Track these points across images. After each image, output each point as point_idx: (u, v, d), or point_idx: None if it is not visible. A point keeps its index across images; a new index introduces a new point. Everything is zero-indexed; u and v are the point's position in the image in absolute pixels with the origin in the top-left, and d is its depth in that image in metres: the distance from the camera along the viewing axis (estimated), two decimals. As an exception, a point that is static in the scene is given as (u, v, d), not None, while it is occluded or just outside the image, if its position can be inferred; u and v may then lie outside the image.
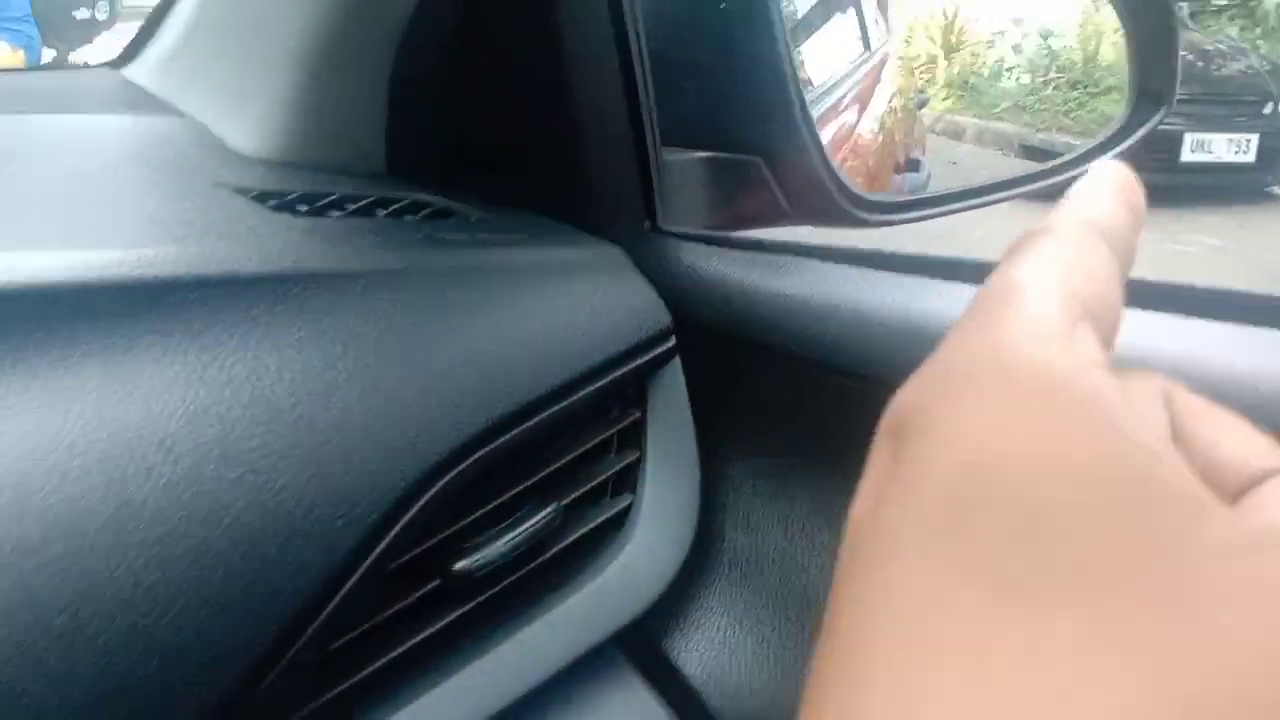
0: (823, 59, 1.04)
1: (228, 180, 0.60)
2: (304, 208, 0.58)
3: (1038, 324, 0.20)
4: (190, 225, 0.51)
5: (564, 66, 0.64)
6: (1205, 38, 5.50)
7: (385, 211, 0.61)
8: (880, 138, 1.16)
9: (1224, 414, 0.22)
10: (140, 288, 0.43)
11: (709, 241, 0.65)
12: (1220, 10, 6.23)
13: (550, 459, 0.56)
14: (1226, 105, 4.69)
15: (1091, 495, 0.17)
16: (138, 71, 0.79)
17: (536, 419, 0.52)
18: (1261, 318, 0.48)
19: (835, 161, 0.73)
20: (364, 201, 0.61)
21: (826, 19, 1.11)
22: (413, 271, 0.53)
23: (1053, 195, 0.26)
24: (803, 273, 0.61)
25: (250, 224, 0.53)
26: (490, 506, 0.52)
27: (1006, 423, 0.18)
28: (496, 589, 0.53)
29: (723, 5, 0.65)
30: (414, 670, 0.50)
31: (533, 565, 0.55)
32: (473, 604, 0.52)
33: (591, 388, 0.56)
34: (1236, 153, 4.54)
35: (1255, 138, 4.63)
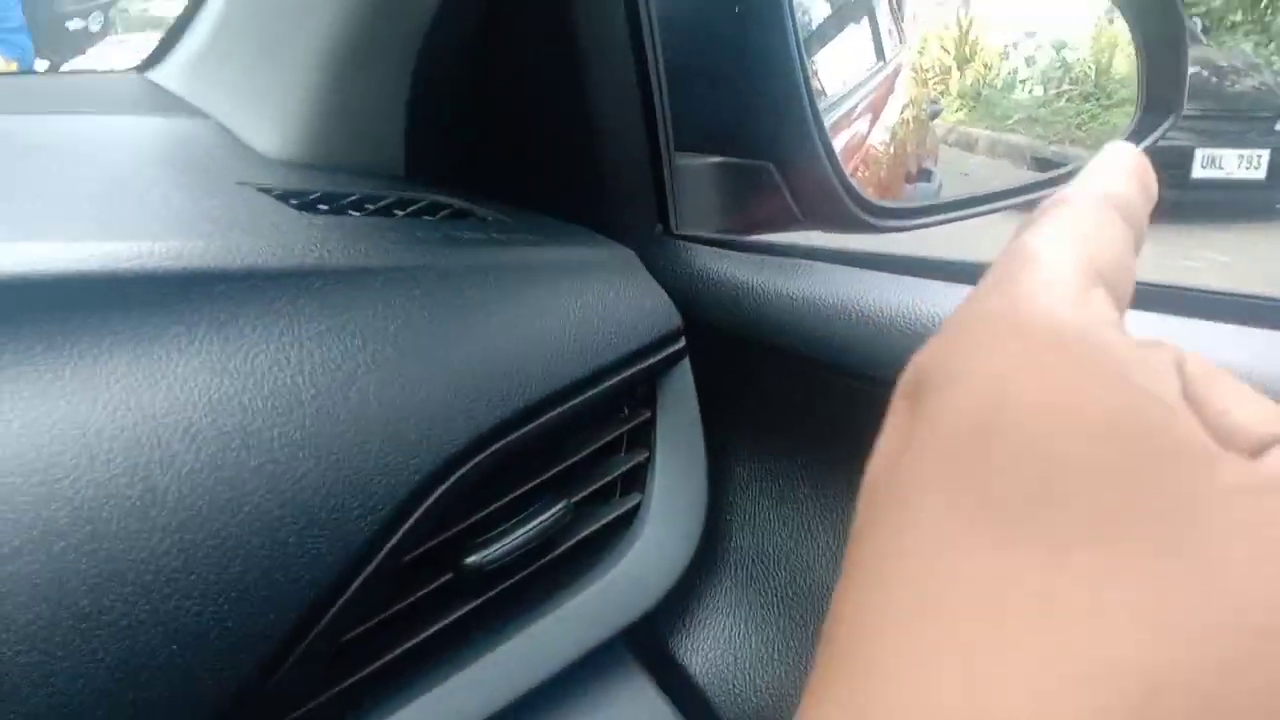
0: (836, 68, 1.04)
1: (251, 180, 0.61)
2: (325, 207, 0.59)
3: (1053, 284, 0.20)
4: (215, 221, 0.52)
5: (580, 73, 0.65)
6: (1219, 53, 5.48)
7: (404, 212, 0.62)
8: (892, 148, 1.17)
9: (1234, 381, 0.23)
10: (167, 279, 0.44)
11: (719, 244, 0.66)
12: (1235, 26, 6.21)
13: (561, 456, 0.57)
14: (1239, 121, 4.66)
15: (1105, 446, 0.18)
16: (163, 75, 0.81)
17: (548, 416, 0.53)
18: (1259, 318, 0.49)
19: (846, 168, 0.74)
20: (383, 202, 0.62)
21: (840, 29, 1.12)
22: (430, 269, 0.54)
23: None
24: (811, 275, 0.62)
25: (273, 221, 0.54)
26: (502, 502, 0.53)
27: (1022, 376, 0.19)
28: (507, 584, 0.54)
29: (737, 10, 0.66)
30: (425, 662, 0.51)
31: (543, 561, 0.55)
32: (484, 598, 0.53)
33: (602, 386, 0.56)
34: (1247, 169, 4.51)
35: (1266, 154, 4.59)
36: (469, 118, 0.72)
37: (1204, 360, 0.23)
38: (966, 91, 1.46)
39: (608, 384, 0.57)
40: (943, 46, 1.40)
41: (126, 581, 0.38)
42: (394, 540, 0.46)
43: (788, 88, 0.69)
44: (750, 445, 0.66)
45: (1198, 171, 4.44)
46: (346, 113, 0.68)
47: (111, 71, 0.87)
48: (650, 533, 0.60)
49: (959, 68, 1.40)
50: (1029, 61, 1.49)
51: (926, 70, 1.43)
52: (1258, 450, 0.21)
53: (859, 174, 1.03)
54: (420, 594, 0.50)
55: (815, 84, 0.95)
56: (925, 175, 1.22)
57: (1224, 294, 0.51)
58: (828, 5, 1.13)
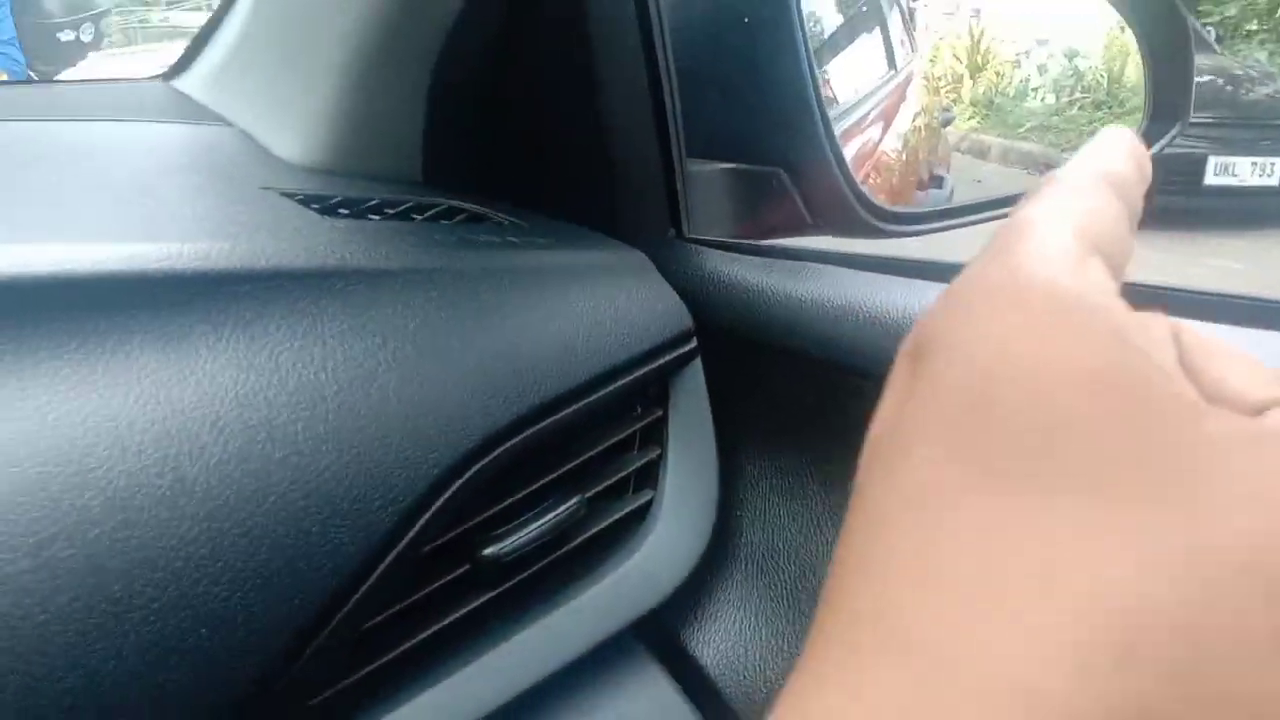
0: (848, 77, 1.06)
1: (275, 185, 0.63)
2: (346, 211, 0.61)
3: (1051, 254, 0.21)
4: (241, 225, 0.53)
5: (594, 82, 0.67)
6: (1233, 61, 5.44)
7: (422, 216, 0.64)
8: (904, 154, 1.18)
9: (1230, 349, 0.23)
10: (195, 280, 0.46)
11: (729, 248, 0.67)
12: (1250, 34, 6.16)
13: (576, 453, 0.58)
14: (1253, 129, 4.62)
15: (1096, 399, 0.18)
16: (188, 83, 0.83)
17: (562, 413, 0.54)
18: (1259, 320, 0.50)
19: (855, 174, 0.75)
20: (402, 206, 0.64)
21: (853, 39, 1.13)
22: (448, 271, 0.55)
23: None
24: (819, 278, 0.63)
25: (296, 225, 0.55)
26: (518, 496, 0.54)
27: (1019, 336, 0.19)
28: (523, 576, 0.55)
29: (746, 21, 0.67)
30: (443, 650, 0.52)
31: (557, 554, 0.56)
32: (500, 589, 0.54)
33: (615, 385, 0.58)
34: (1261, 176, 4.47)
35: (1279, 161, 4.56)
36: (485, 125, 0.74)
37: (1199, 332, 0.23)
38: (979, 99, 1.46)
39: (620, 383, 0.58)
40: (955, 55, 1.41)
41: (157, 568, 0.39)
42: (413, 531, 0.47)
43: (797, 96, 0.71)
44: (760, 443, 0.67)
45: (1210, 178, 4.40)
46: (366, 121, 0.69)
47: (139, 79, 0.89)
48: (662, 528, 0.61)
49: (971, 76, 1.41)
50: (1041, 69, 1.49)
51: (939, 79, 1.44)
52: (1256, 411, 0.21)
53: (871, 180, 1.04)
54: (438, 584, 0.51)
55: (828, 92, 0.96)
56: (937, 181, 1.22)
57: (1218, 295, 0.52)
58: (840, 15, 1.14)
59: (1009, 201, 0.76)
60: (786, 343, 0.62)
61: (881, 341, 0.58)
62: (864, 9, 1.23)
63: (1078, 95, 1.49)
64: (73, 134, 0.69)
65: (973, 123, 1.48)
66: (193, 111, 0.78)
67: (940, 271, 0.61)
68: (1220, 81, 4.68)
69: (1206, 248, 3.97)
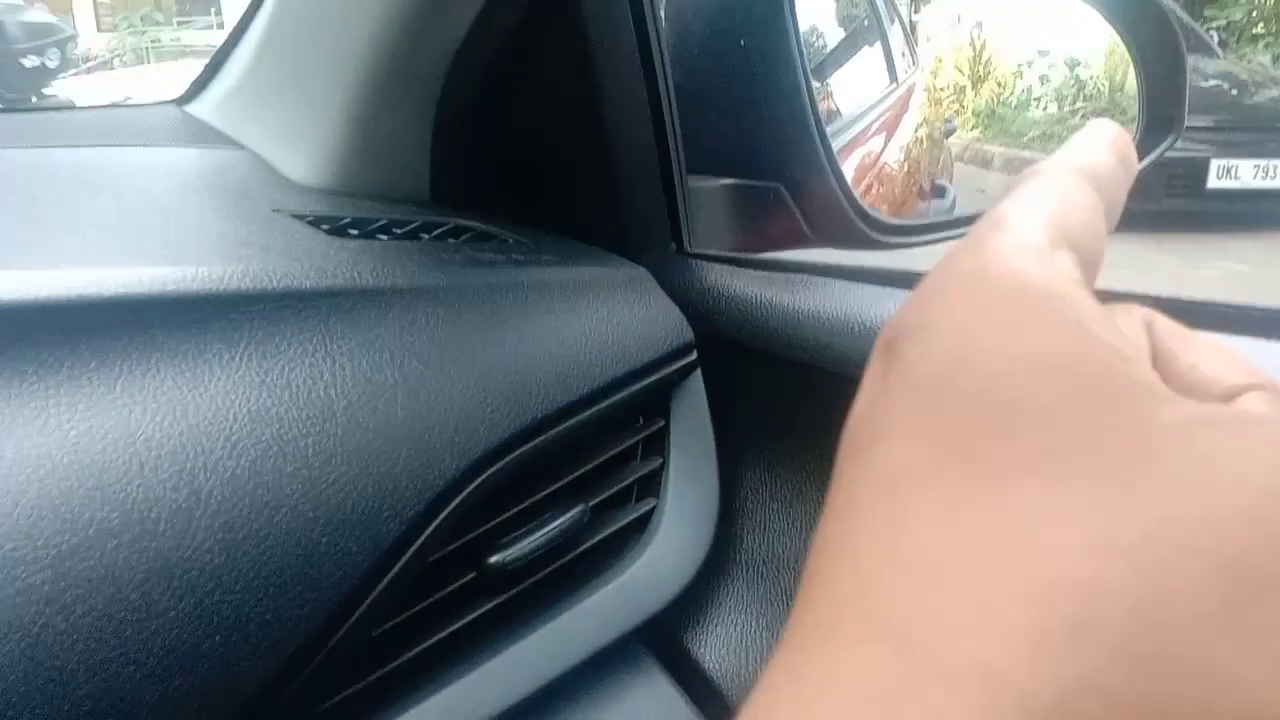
0: (849, 90, 1.07)
1: (285, 207, 0.64)
2: (355, 231, 0.62)
3: (1021, 245, 0.21)
4: (252, 246, 0.55)
5: (596, 102, 0.68)
6: (1235, 65, 5.42)
7: (430, 235, 0.65)
8: (906, 165, 1.18)
9: (1203, 338, 0.24)
10: (210, 301, 0.47)
11: (730, 262, 0.69)
12: (1256, 38, 6.13)
13: (579, 463, 0.59)
14: (1255, 132, 4.60)
15: (1055, 385, 0.19)
16: (200, 108, 0.85)
17: (565, 425, 0.56)
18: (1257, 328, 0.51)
19: (853, 187, 0.76)
20: (410, 226, 0.65)
21: (853, 53, 1.14)
22: (454, 289, 0.56)
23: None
24: (816, 290, 0.64)
25: (306, 246, 0.57)
26: (523, 506, 0.56)
27: (985, 325, 0.20)
28: (528, 583, 0.56)
29: (743, 44, 0.69)
30: (450, 657, 0.53)
31: (562, 562, 0.58)
32: (505, 596, 0.55)
33: (617, 397, 0.59)
34: (1264, 179, 4.45)
35: (1281, 163, 4.53)
36: (491, 146, 0.75)
37: (1173, 322, 0.24)
38: (981, 110, 1.47)
39: (622, 395, 0.59)
40: (957, 66, 1.42)
41: (173, 577, 0.41)
42: (420, 541, 0.49)
43: (795, 112, 0.72)
44: (760, 452, 0.68)
45: (1213, 181, 4.38)
46: (374, 143, 0.71)
47: (153, 104, 0.91)
48: (664, 536, 0.62)
49: (974, 86, 1.42)
50: (1043, 79, 1.50)
51: (941, 90, 1.44)
52: (1228, 397, 0.22)
53: (873, 191, 1.05)
54: (445, 592, 0.52)
55: (830, 105, 0.98)
56: (939, 192, 1.23)
57: (1215, 304, 0.52)
58: (841, 30, 1.16)
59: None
60: (786, 354, 0.63)
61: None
62: (865, 23, 1.24)
63: (1080, 104, 1.49)
64: (90, 160, 0.71)
65: (975, 133, 1.49)
66: (206, 135, 0.80)
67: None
68: (1226, 85, 4.67)
69: (1211, 250, 3.95)
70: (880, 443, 0.20)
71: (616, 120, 0.69)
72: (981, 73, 1.40)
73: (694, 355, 0.64)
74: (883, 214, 0.84)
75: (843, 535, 0.20)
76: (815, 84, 0.77)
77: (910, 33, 1.36)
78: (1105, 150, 0.25)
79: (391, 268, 0.56)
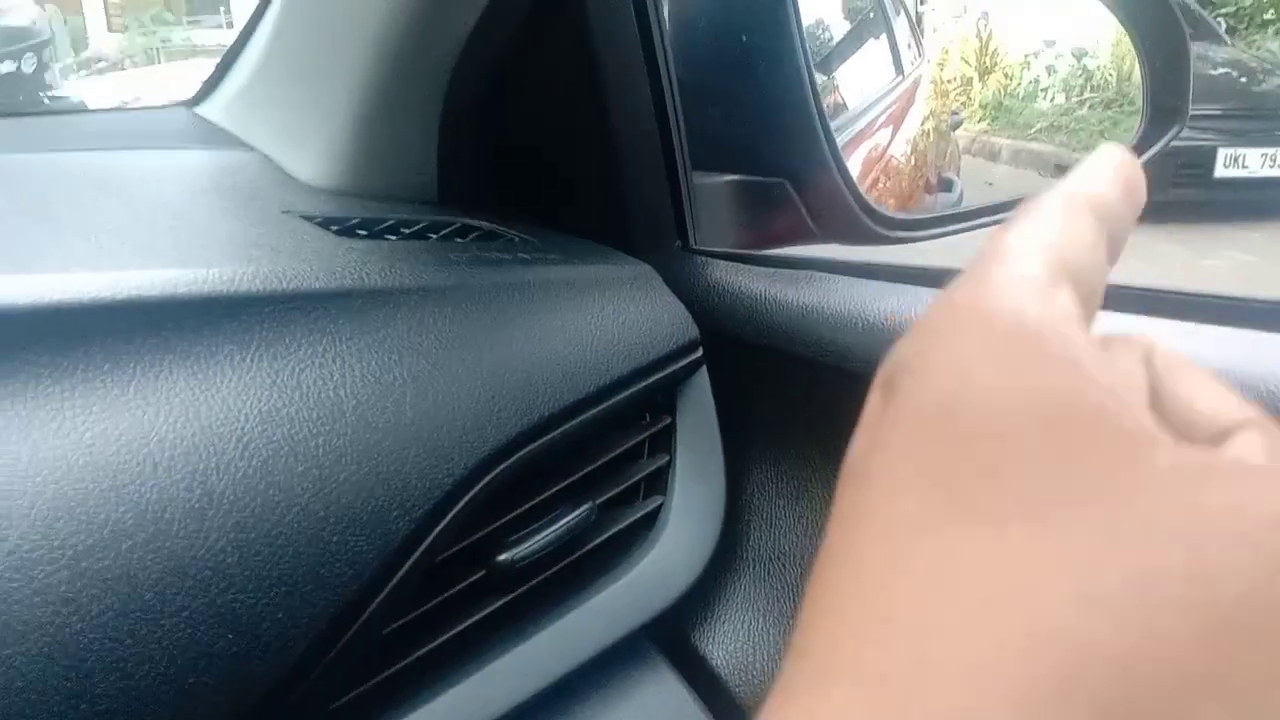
0: (855, 84, 1.07)
1: (295, 208, 0.65)
2: (364, 232, 0.63)
3: (1020, 281, 0.21)
4: (262, 247, 0.55)
5: (600, 101, 0.68)
6: (1243, 52, 5.37)
7: (437, 235, 0.66)
8: (913, 158, 1.19)
9: (1200, 371, 0.23)
10: (221, 302, 0.48)
11: (735, 258, 0.69)
12: (1265, 24, 6.08)
13: (587, 461, 0.59)
14: (1263, 120, 4.56)
15: (1048, 429, 0.19)
16: (210, 109, 0.85)
17: (572, 423, 0.56)
18: (1256, 321, 0.51)
19: (857, 181, 0.77)
20: (417, 226, 0.65)
21: (859, 47, 1.14)
22: (461, 288, 0.57)
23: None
24: (821, 286, 0.64)
25: (316, 246, 0.57)
26: (531, 504, 0.56)
27: (980, 364, 0.20)
28: (536, 580, 0.56)
29: (744, 41, 0.69)
30: (460, 654, 0.54)
31: (570, 559, 0.58)
32: (514, 594, 0.56)
33: (623, 395, 0.59)
34: (1271, 167, 4.41)
35: (1289, 151, 4.48)
36: (497, 146, 0.76)
37: (1173, 353, 0.24)
38: (988, 102, 1.47)
39: (629, 392, 0.60)
40: (963, 58, 1.42)
41: (187, 576, 0.41)
42: (430, 539, 0.49)
43: (799, 107, 0.72)
44: (766, 448, 0.68)
45: (1220, 171, 4.33)
46: (382, 144, 0.71)
47: (163, 106, 0.92)
48: (671, 532, 0.63)
49: (980, 78, 1.42)
50: (1050, 70, 1.49)
51: (948, 82, 1.44)
52: (1219, 438, 0.22)
53: (879, 184, 1.05)
54: (454, 589, 0.53)
55: (835, 99, 0.98)
56: (946, 185, 1.23)
57: (1202, 296, 0.53)
58: (847, 23, 1.16)
59: (1009, 207, 0.77)
60: (791, 349, 0.64)
61: (883, 347, 0.57)
62: (871, 15, 1.24)
63: (1087, 95, 1.49)
64: (102, 164, 0.71)
65: (982, 125, 1.49)
66: (216, 137, 0.80)
67: (937, 277, 0.62)
68: (1235, 74, 4.62)
69: (1218, 240, 3.93)
70: (875, 485, 0.20)
71: (621, 118, 0.69)
72: (988, 64, 1.40)
73: (699, 352, 0.65)
74: (888, 209, 0.85)
75: (835, 585, 0.20)
76: (821, 78, 0.77)
77: (916, 25, 1.35)
78: (1112, 178, 0.25)
79: (399, 268, 0.56)
